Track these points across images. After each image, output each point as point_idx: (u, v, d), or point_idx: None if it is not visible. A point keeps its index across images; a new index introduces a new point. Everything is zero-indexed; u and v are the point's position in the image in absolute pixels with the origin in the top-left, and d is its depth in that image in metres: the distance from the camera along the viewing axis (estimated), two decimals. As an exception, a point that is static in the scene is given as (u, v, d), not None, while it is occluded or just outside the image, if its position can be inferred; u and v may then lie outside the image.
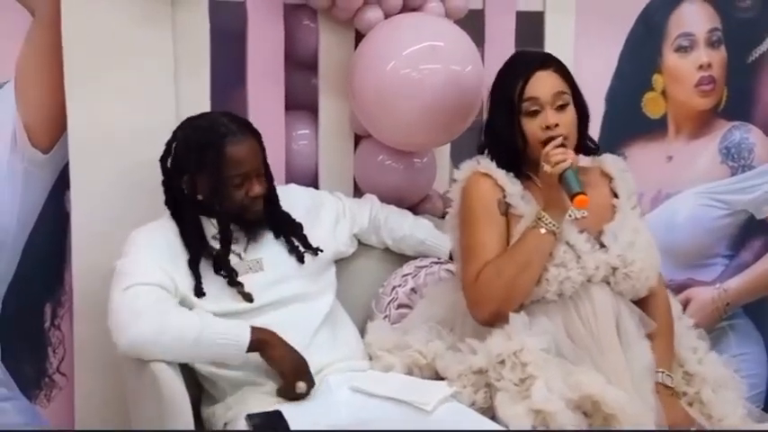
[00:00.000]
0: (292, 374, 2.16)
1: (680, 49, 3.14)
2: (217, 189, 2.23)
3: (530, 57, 2.28)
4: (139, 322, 2.07)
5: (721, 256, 3.30)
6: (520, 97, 2.18)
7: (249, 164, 2.25)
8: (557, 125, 2.16)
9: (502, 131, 2.23)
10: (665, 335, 2.26)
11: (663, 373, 2.19)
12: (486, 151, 2.28)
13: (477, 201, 2.22)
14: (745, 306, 3.35)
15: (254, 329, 2.15)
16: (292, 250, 2.33)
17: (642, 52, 3.10)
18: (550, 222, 2.12)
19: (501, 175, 2.21)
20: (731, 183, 3.27)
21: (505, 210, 2.20)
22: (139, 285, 2.12)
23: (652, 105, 3.15)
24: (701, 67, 3.16)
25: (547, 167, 2.11)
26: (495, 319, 2.16)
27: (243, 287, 2.24)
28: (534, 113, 2.18)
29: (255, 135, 2.29)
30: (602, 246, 2.18)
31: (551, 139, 2.15)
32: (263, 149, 2.30)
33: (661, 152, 3.19)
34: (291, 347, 2.18)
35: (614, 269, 2.17)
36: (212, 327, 2.13)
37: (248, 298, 2.24)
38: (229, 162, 2.22)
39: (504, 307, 2.15)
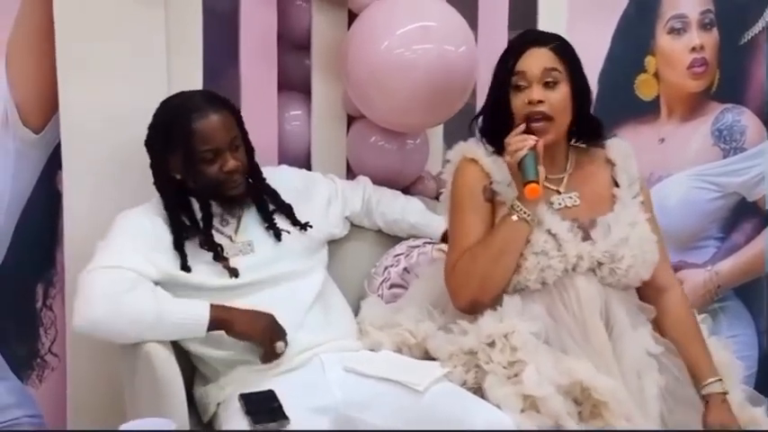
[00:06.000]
0: (266, 340, 2.17)
1: (673, 31, 3.14)
2: (188, 166, 2.22)
3: (531, 34, 2.24)
4: (93, 305, 2.08)
5: (713, 238, 3.31)
6: (510, 71, 2.15)
7: (218, 138, 2.22)
8: (540, 101, 2.11)
9: (491, 105, 2.21)
10: (696, 338, 2.22)
11: (713, 382, 2.16)
12: (477, 131, 2.25)
13: (462, 188, 2.21)
14: (736, 288, 3.36)
15: (213, 308, 2.14)
16: (270, 227, 2.32)
17: (635, 34, 3.10)
18: (522, 210, 2.10)
19: (488, 162, 2.19)
20: (723, 165, 3.27)
21: (491, 196, 2.18)
22: (102, 269, 2.13)
23: (644, 87, 3.15)
24: (693, 49, 3.16)
25: (507, 157, 2.10)
26: (473, 308, 2.16)
27: (228, 262, 2.24)
28: (521, 88, 2.14)
29: (229, 108, 2.27)
30: (590, 237, 2.15)
31: (533, 114, 2.12)
32: (240, 124, 2.29)
33: (653, 134, 3.19)
34: (253, 313, 2.17)
35: (600, 264, 2.14)
36: (170, 309, 2.12)
37: (234, 273, 2.23)
38: (196, 137, 2.20)
39: (480, 296, 2.14)
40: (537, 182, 2.05)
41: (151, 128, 2.29)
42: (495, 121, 2.20)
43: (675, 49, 3.15)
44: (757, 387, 2.41)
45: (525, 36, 2.23)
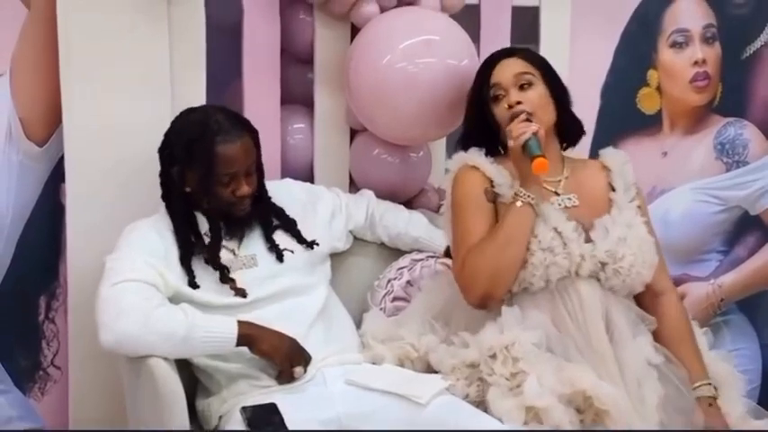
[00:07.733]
0: (286, 362, 2.17)
1: (675, 45, 3.15)
2: (204, 185, 2.22)
3: (500, 50, 2.34)
4: (125, 320, 2.07)
5: (716, 251, 3.31)
6: (487, 86, 2.24)
7: (239, 164, 2.22)
8: (518, 102, 2.19)
9: (474, 121, 2.28)
10: (687, 341, 2.23)
11: (701, 386, 2.17)
12: (469, 143, 2.30)
13: (464, 193, 2.24)
14: (739, 302, 3.35)
15: (241, 324, 2.15)
16: (272, 248, 2.32)
17: (637, 48, 3.11)
18: (526, 195, 2.14)
19: (489, 167, 2.23)
20: (726, 179, 3.27)
21: (494, 198, 2.22)
22: (127, 282, 2.12)
23: (647, 101, 3.15)
24: (695, 63, 3.16)
25: (510, 142, 2.15)
26: (486, 302, 2.17)
27: (235, 283, 2.24)
28: (500, 98, 2.23)
29: (250, 133, 2.27)
30: (591, 240, 2.17)
31: (516, 115, 2.18)
32: (257, 147, 2.28)
33: (656, 148, 3.19)
34: (279, 334, 2.18)
35: (603, 264, 2.16)
36: (199, 324, 2.12)
37: (241, 293, 2.24)
38: (219, 160, 2.20)
39: (492, 288, 2.15)
40: (544, 156, 2.10)
41: (171, 138, 2.27)
42: (483, 135, 2.27)
43: (678, 63, 3.16)
44: (761, 401, 2.41)
45: (494, 53, 2.32)
